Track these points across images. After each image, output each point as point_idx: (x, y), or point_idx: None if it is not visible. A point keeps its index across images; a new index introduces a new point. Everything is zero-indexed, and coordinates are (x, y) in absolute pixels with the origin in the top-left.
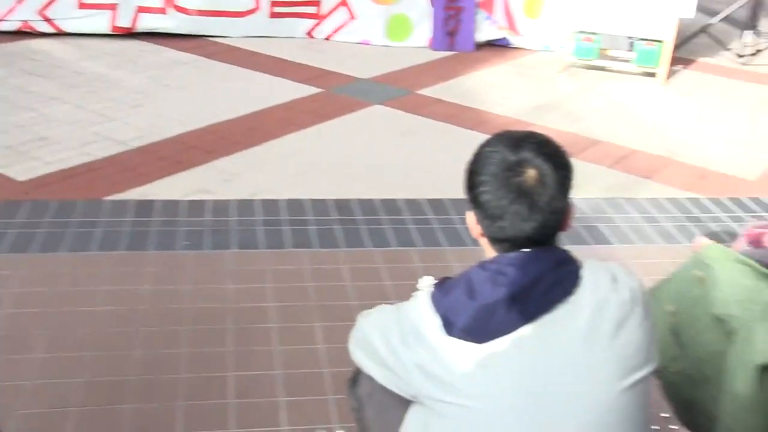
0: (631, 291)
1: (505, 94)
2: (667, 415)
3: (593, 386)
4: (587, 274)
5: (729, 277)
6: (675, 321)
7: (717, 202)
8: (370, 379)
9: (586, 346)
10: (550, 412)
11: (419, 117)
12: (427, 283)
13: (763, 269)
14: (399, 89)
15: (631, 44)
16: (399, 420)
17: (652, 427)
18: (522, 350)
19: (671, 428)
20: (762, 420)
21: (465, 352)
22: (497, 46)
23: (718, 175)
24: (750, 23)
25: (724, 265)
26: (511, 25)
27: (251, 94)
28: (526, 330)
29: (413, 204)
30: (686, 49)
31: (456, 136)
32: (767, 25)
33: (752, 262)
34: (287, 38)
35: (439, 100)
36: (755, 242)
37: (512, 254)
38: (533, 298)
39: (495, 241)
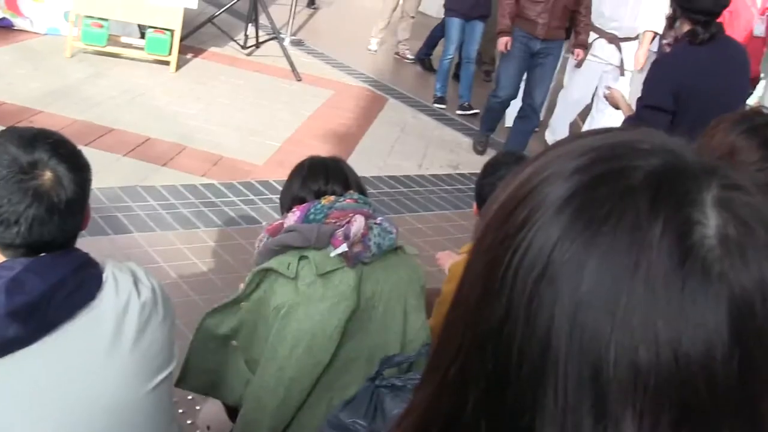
0: (153, 291)
1: (10, 80)
2: (191, 397)
3: (118, 391)
4: (109, 276)
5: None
6: (243, 352)
7: (230, 187)
8: None
9: (111, 351)
10: (73, 421)
11: None
12: None
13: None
14: None
15: (143, 32)
16: None
17: (180, 410)
18: (41, 363)
19: (197, 408)
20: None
21: None
22: None
23: (230, 160)
24: (251, 17)
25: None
26: (13, 6)
27: None
28: (46, 341)
29: None
30: (195, 38)
31: None
32: (266, 19)
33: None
34: None
35: None
36: (276, 234)
37: (27, 260)
38: (53, 307)
39: (7, 246)
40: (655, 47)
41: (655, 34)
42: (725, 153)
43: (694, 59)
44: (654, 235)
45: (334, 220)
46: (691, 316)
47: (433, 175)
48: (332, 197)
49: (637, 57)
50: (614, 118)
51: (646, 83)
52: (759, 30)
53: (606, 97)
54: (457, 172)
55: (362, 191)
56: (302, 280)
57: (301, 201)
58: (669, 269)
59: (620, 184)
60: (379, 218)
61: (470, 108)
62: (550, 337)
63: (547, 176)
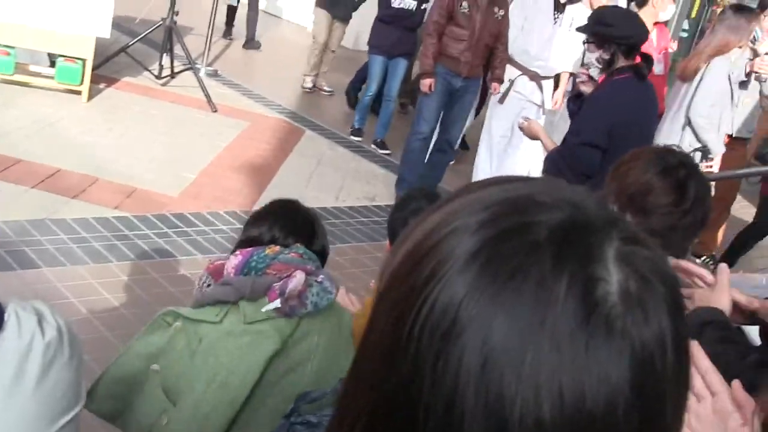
0: (58, 331)
1: None
2: None
3: None
4: (11, 315)
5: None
6: (163, 378)
7: (144, 219)
8: None
9: (12, 393)
10: None
11: None
12: None
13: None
14: None
15: (54, 61)
16: None
17: None
18: None
19: None
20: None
21: None
22: None
23: (144, 192)
24: (166, 47)
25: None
26: None
27: None
28: None
29: None
30: (109, 67)
31: None
32: (181, 50)
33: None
34: None
35: None
36: (217, 274)
37: None
38: None
39: None
40: (569, 87)
41: (571, 74)
42: (640, 191)
43: (637, 95)
44: (559, 292)
45: (274, 272)
46: (595, 372)
47: (350, 207)
48: (278, 248)
49: (556, 98)
50: (528, 155)
51: (585, 120)
52: (659, 69)
53: (521, 128)
54: (374, 204)
55: (324, 252)
56: (227, 322)
57: (271, 241)
58: (574, 326)
59: (525, 239)
60: (321, 276)
61: (384, 146)
62: (456, 395)
63: (453, 229)
